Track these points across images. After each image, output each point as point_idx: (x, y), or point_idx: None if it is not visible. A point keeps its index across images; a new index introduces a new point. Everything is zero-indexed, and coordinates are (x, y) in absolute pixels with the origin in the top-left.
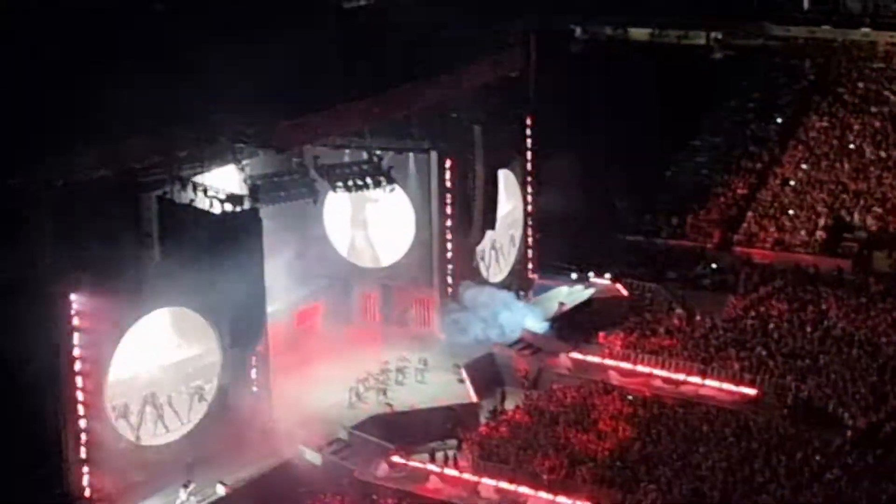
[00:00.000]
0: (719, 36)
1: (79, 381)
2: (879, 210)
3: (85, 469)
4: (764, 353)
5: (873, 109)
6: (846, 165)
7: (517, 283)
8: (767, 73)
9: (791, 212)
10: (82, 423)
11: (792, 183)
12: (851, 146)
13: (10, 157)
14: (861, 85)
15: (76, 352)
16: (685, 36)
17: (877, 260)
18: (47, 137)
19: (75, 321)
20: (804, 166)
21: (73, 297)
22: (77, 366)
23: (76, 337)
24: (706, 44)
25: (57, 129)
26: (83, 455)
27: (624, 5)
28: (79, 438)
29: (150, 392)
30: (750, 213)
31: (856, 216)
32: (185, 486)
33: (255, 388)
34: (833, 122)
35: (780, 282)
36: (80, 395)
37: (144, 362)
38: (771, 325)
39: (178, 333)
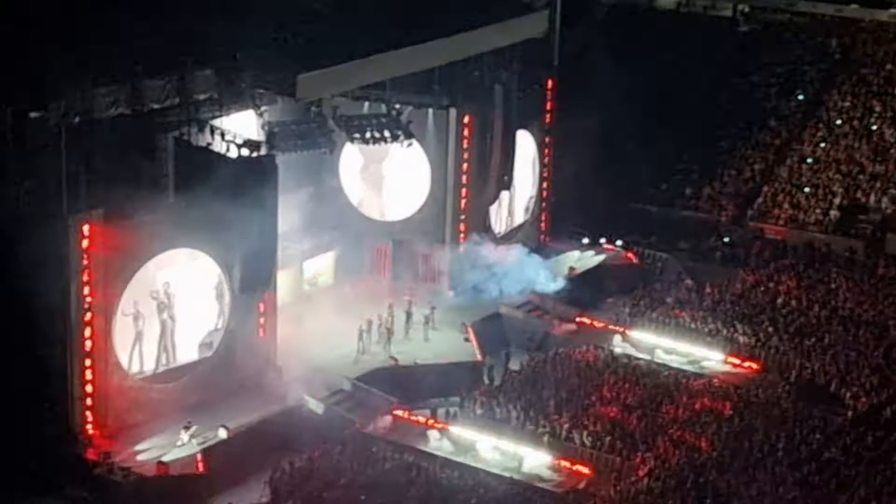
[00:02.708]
0: (746, 9)
1: (87, 316)
2: (895, 192)
3: (88, 405)
4: (770, 329)
5: None
6: (865, 146)
7: (529, 244)
8: (792, 49)
9: (807, 190)
10: (88, 360)
11: (809, 161)
12: (872, 127)
13: (32, 91)
14: (886, 67)
15: (86, 288)
16: (712, 7)
17: (889, 242)
18: (70, 73)
19: (87, 256)
20: (823, 145)
21: (86, 232)
22: (86, 301)
23: (87, 272)
24: (732, 16)
25: (79, 65)
26: (87, 391)
27: None
28: (84, 375)
29: (161, 331)
30: (766, 189)
31: (871, 198)
32: (187, 428)
33: (261, 335)
34: (855, 103)
35: (791, 259)
36: (87, 331)
37: (155, 302)
38: (779, 302)
39: (190, 275)
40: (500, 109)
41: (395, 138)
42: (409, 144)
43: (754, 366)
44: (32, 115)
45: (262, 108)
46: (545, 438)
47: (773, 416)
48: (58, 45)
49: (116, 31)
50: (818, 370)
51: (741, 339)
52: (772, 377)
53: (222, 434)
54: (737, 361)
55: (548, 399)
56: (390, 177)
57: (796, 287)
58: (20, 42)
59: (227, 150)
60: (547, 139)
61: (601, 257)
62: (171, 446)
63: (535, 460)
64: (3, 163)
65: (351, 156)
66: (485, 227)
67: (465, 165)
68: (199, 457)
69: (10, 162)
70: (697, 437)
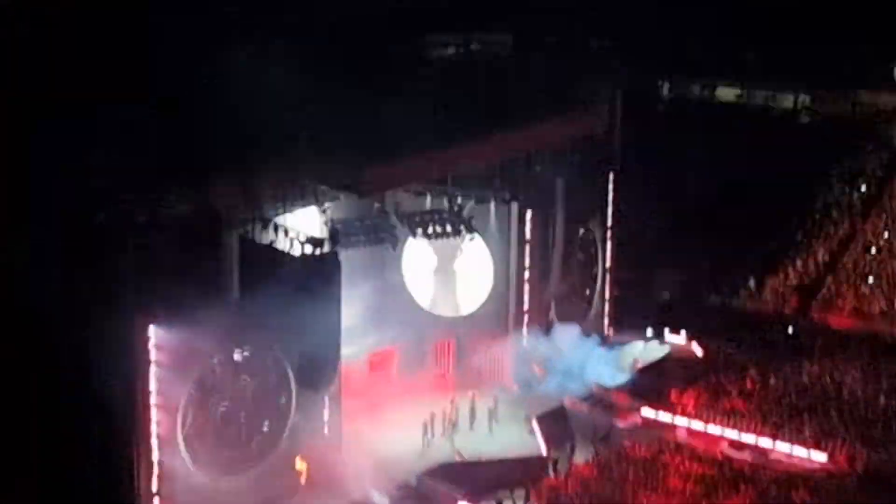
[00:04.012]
0: (807, 100)
1: (153, 413)
2: None
3: (156, 502)
4: (837, 419)
5: None
6: None
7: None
8: (854, 139)
9: (871, 280)
10: (155, 456)
11: (873, 251)
12: None
13: (96, 192)
14: None
15: (152, 384)
16: (773, 98)
17: None
18: (133, 173)
19: (152, 354)
20: (886, 235)
21: (151, 330)
22: (152, 398)
23: (152, 370)
24: (794, 108)
25: (143, 165)
26: (154, 488)
27: (713, 65)
28: (151, 471)
29: (225, 428)
30: (829, 280)
31: None
32: None
33: (326, 430)
34: None
35: (855, 350)
36: (154, 428)
37: (220, 398)
38: (845, 393)
39: (255, 371)
40: (561, 203)
41: (457, 233)
42: (472, 239)
43: (821, 457)
44: (99, 214)
45: (326, 205)
46: None
47: None
48: (124, 144)
49: (181, 129)
50: (885, 460)
51: (807, 430)
52: (839, 468)
53: None
54: (803, 452)
55: (614, 493)
56: (461, 274)
57: (861, 378)
58: (87, 142)
59: (291, 247)
60: (609, 233)
61: (665, 349)
62: None
63: None
64: (70, 261)
65: (418, 252)
66: (548, 322)
67: (527, 260)
68: None
69: (76, 260)
70: None
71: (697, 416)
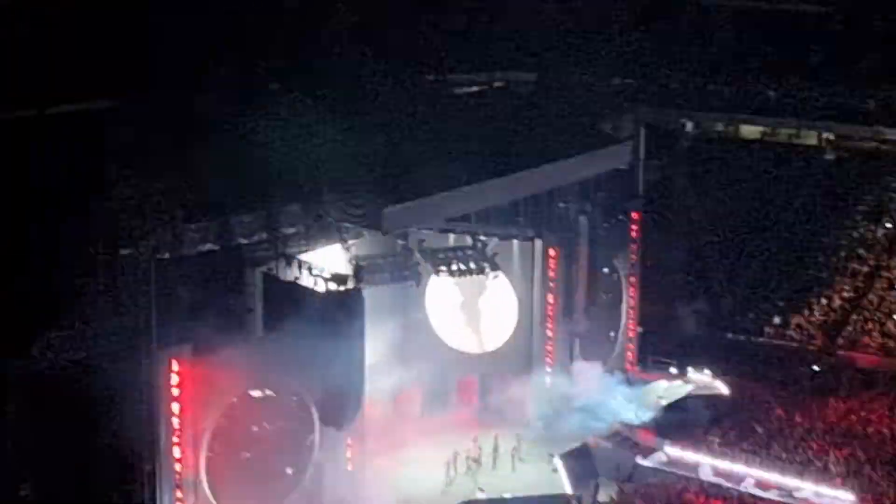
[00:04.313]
0: (832, 137)
1: (177, 450)
2: None
3: None
4: (863, 458)
5: None
6: None
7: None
8: (879, 176)
9: None
10: (178, 493)
11: None
12: None
13: (122, 229)
14: None
15: (175, 421)
16: (797, 135)
17: None
18: (157, 211)
19: (175, 391)
20: None
21: (174, 367)
22: (176, 435)
23: (176, 407)
24: (818, 144)
25: (167, 203)
26: None
27: (736, 101)
28: None
29: (249, 464)
30: (855, 317)
31: None
32: None
33: (349, 468)
34: None
35: (882, 387)
36: (178, 466)
37: (243, 435)
38: (871, 431)
39: (278, 408)
40: (585, 240)
41: (480, 270)
42: (496, 276)
43: (848, 496)
44: (123, 252)
45: (349, 242)
46: None
47: None
48: (147, 182)
49: (204, 167)
50: None
51: (833, 468)
52: None
53: None
54: (829, 491)
55: None
56: (486, 311)
57: (888, 415)
58: (111, 180)
59: (315, 284)
60: (633, 269)
61: (689, 387)
62: None
63: None
64: (94, 299)
65: (442, 289)
66: (571, 360)
67: (550, 297)
68: None
69: (100, 298)
70: None
71: (722, 455)
